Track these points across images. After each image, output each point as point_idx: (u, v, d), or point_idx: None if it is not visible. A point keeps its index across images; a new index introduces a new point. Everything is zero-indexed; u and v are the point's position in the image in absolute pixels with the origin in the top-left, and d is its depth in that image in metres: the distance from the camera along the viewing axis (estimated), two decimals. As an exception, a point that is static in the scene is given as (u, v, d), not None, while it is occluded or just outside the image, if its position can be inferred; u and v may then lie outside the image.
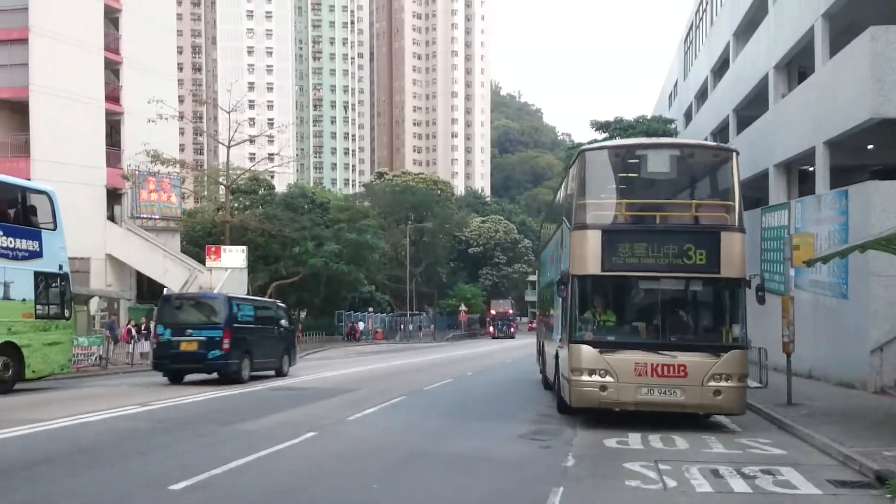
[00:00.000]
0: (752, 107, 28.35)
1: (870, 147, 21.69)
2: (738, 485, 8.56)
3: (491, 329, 77.50)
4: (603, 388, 12.26)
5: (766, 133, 26.13)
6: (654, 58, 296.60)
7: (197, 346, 20.10)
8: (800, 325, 16.09)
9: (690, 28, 42.80)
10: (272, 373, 22.99)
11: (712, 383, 12.02)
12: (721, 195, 13.59)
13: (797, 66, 25.21)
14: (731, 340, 12.43)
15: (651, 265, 12.48)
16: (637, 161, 13.60)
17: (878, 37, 17.77)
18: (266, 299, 30.90)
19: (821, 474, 9.12)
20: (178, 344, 20.22)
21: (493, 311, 78.88)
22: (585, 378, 12.37)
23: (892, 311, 16.93)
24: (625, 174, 13.92)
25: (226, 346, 20.01)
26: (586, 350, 12.45)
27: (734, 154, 13.41)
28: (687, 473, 8.98)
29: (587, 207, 13.10)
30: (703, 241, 12.49)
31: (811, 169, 22.74)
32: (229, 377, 20.37)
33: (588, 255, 12.66)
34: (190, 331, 20.34)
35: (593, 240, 12.66)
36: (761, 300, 13.01)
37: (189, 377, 21.20)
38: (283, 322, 24.56)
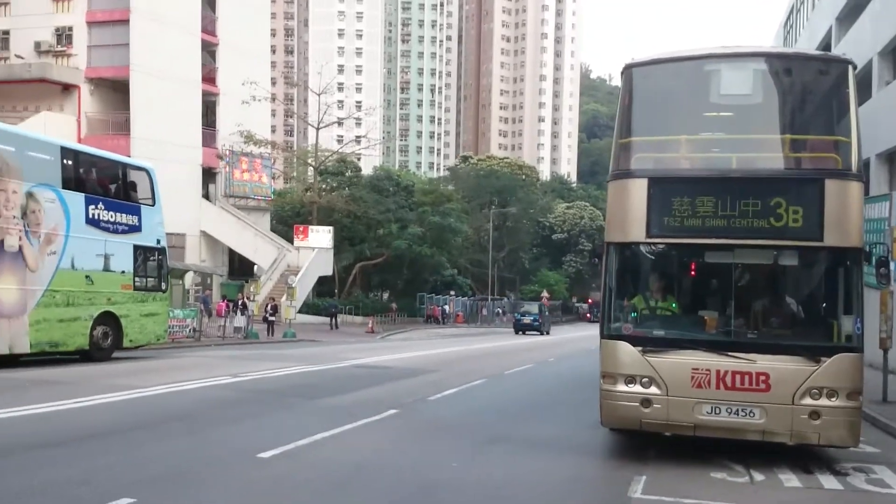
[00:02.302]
0: (857, 94, 27.19)
1: (982, 137, 20.56)
2: (829, 481, 8.31)
3: (589, 315, 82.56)
4: (646, 402, 8.78)
5: (868, 121, 24.98)
6: (752, 41, 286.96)
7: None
8: (899, 321, 15.43)
9: (791, 11, 41.28)
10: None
11: (808, 401, 8.42)
12: (827, 127, 9.78)
13: (904, 52, 24.07)
14: (839, 339, 8.69)
15: (721, 229, 8.78)
16: (706, 79, 9.78)
17: None
18: None
19: (916, 475, 8.76)
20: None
21: (591, 300, 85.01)
22: (621, 388, 8.93)
23: None
24: (688, 98, 10.09)
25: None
26: (623, 349, 8.99)
27: (849, 67, 9.32)
28: (775, 467, 8.75)
29: (631, 147, 9.53)
30: (799, 194, 8.78)
31: (916, 159, 21.72)
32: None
33: (630, 214, 9.10)
34: None
35: (637, 193, 9.07)
36: (884, 280, 10.37)
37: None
38: None
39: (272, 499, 6.98)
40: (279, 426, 10.40)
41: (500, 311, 72.45)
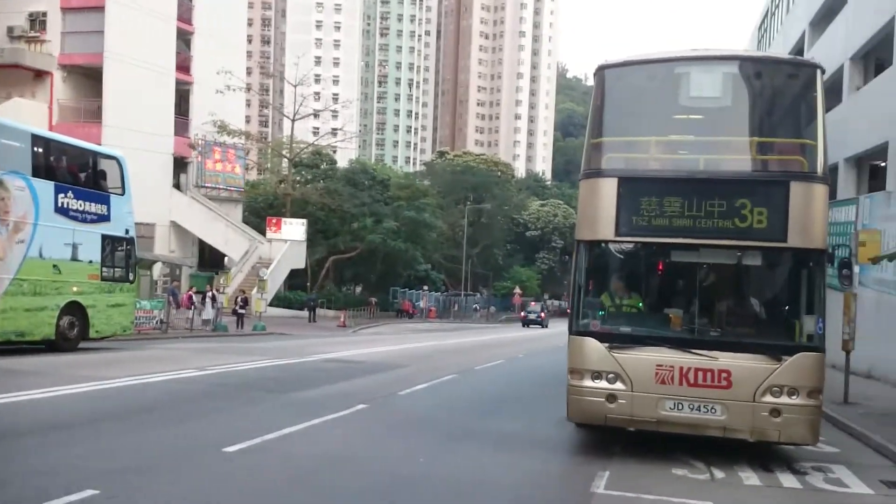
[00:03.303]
0: (826, 98, 27.57)
1: (947, 144, 20.94)
2: (788, 480, 8.46)
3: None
4: (611, 397, 8.91)
5: (837, 126, 25.35)
6: (726, 44, 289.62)
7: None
8: (861, 322, 15.72)
9: (766, 15, 41.74)
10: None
11: (769, 399, 8.54)
12: (794, 130, 9.94)
13: (874, 58, 24.43)
14: (801, 339, 8.83)
15: (687, 229, 8.92)
16: (677, 81, 9.86)
17: (962, 29, 17.11)
18: None
19: (874, 474, 8.94)
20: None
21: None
22: (588, 384, 9.03)
23: (961, 314, 16.39)
24: (659, 99, 10.22)
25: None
26: (590, 345, 9.08)
27: (818, 71, 9.49)
28: (736, 465, 8.89)
29: (603, 147, 9.65)
30: (764, 196, 8.91)
31: (882, 164, 22.08)
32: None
33: (599, 213, 9.25)
34: None
35: (607, 192, 9.21)
36: (846, 282, 10.53)
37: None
38: None
39: (237, 493, 6.97)
40: (246, 420, 10.36)
41: (477, 307, 72.61)
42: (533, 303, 67.23)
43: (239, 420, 10.33)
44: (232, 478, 7.37)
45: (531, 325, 58.33)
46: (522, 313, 64.25)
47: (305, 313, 45.14)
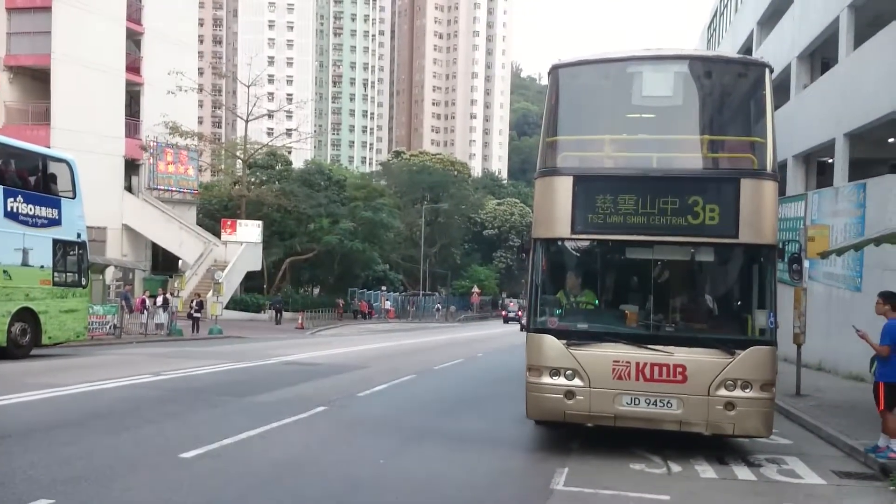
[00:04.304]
0: (774, 97, 28.13)
1: (890, 140, 21.52)
2: (743, 472, 8.61)
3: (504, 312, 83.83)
4: (569, 394, 8.97)
5: (785, 123, 25.91)
6: (677, 43, 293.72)
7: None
8: (811, 316, 16.06)
9: (715, 15, 42.46)
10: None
11: (723, 392, 8.70)
12: (744, 128, 10.04)
13: (820, 56, 25.01)
14: (753, 333, 9.02)
15: (641, 226, 9.06)
16: (629, 80, 10.01)
17: (903, 29, 17.58)
18: None
19: (826, 465, 9.15)
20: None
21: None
22: (546, 381, 9.10)
23: (906, 306, 16.84)
24: (612, 98, 10.39)
25: None
26: (548, 342, 9.15)
27: (766, 70, 9.63)
28: (692, 459, 9.03)
29: (558, 146, 9.76)
30: (716, 192, 9.11)
31: (830, 161, 22.63)
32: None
33: (555, 211, 9.37)
34: None
35: (562, 190, 9.31)
36: (797, 276, 10.70)
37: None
38: None
39: (194, 499, 6.87)
40: (203, 425, 10.24)
41: (440, 307, 72.68)
42: (512, 303, 71.89)
43: (196, 425, 10.20)
44: (189, 484, 7.27)
45: (510, 322, 62.05)
46: (504, 312, 69.64)
47: (263, 316, 44.71)
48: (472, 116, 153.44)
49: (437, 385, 16.39)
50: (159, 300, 30.48)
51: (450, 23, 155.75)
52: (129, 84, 42.99)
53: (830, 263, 18.81)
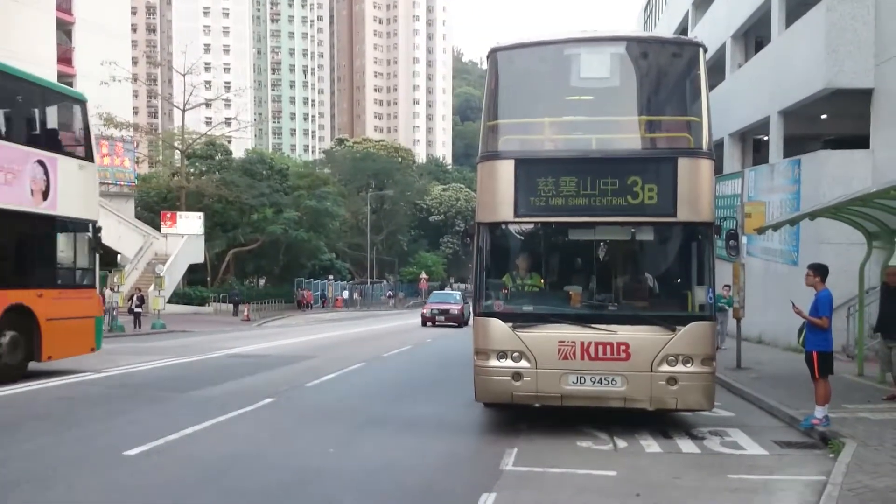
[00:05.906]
0: (709, 76, 28.55)
1: (823, 117, 22.08)
2: (687, 445, 8.78)
3: None
4: (517, 375, 9.08)
5: (721, 102, 26.39)
6: (616, 25, 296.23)
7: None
8: (750, 291, 16.46)
9: (651, -4, 42.95)
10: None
11: (665, 368, 8.85)
12: (680, 108, 10.30)
13: (754, 35, 25.50)
14: (693, 309, 9.20)
15: (582, 207, 9.15)
16: (567, 63, 10.09)
17: (833, 7, 18.03)
18: None
19: (767, 435, 9.39)
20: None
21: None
22: (493, 364, 9.17)
23: (841, 278, 17.32)
24: (551, 81, 10.42)
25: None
26: (495, 325, 9.23)
27: (700, 50, 9.79)
28: (637, 434, 9.18)
29: (499, 129, 9.81)
30: (654, 172, 9.22)
31: (765, 138, 23.12)
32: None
33: (498, 195, 9.41)
34: None
35: (504, 174, 9.37)
36: (734, 252, 11.07)
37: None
38: None
39: (139, 497, 6.73)
40: (147, 421, 10.03)
41: (391, 294, 72.39)
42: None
43: (139, 422, 9.99)
44: (133, 482, 7.12)
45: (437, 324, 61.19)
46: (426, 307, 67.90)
47: (208, 309, 44.01)
48: (415, 102, 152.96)
49: (386, 372, 16.36)
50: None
51: (389, 7, 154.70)
52: (60, 76, 41.68)
53: (768, 239, 19.26)
